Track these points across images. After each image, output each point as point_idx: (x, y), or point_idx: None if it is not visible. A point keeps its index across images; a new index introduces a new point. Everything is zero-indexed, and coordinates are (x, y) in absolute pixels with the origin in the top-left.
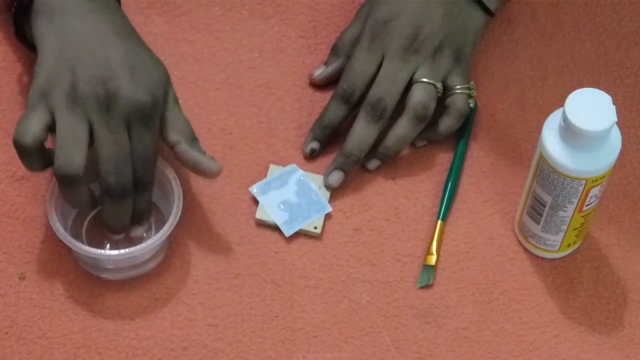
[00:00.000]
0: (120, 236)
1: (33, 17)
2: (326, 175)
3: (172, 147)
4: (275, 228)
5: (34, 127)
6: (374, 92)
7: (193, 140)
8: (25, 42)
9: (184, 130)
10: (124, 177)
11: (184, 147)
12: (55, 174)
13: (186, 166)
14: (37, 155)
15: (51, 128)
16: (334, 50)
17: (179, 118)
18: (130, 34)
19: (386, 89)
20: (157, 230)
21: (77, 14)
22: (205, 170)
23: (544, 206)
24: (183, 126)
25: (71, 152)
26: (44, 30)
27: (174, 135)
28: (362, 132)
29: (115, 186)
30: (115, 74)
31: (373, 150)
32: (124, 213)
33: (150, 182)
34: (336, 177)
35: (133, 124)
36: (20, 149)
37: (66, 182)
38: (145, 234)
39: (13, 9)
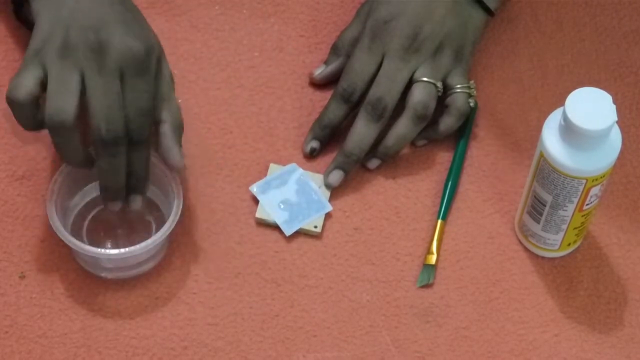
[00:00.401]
0: (118, 206)
1: None
2: (326, 174)
3: (156, 122)
4: (276, 227)
5: (27, 81)
6: (374, 92)
7: (179, 127)
8: (24, 21)
9: (175, 113)
10: (115, 126)
11: (167, 129)
12: (46, 124)
13: (158, 148)
14: (30, 112)
15: (44, 85)
16: (334, 50)
17: (172, 100)
18: (130, 6)
19: (386, 89)
20: (157, 229)
21: None
22: (171, 161)
23: (544, 205)
24: (175, 110)
25: (62, 99)
26: (41, 5)
27: (164, 114)
28: (362, 132)
29: (106, 135)
30: (109, 25)
31: (373, 149)
32: (117, 167)
33: (145, 139)
34: (336, 177)
35: (126, 74)
36: (14, 104)
37: (57, 131)
38: (145, 230)
39: None
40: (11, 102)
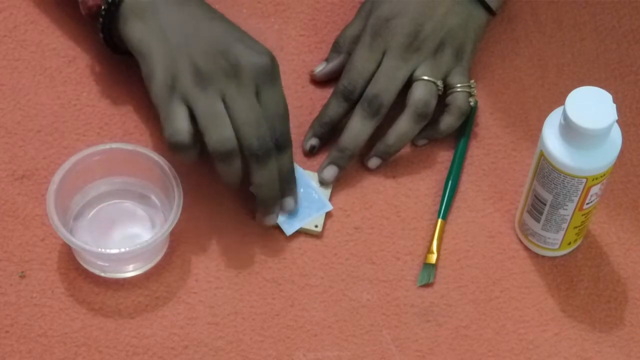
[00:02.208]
0: (276, 216)
1: (122, 22)
2: (320, 170)
3: None
4: (276, 227)
5: (181, 122)
6: (371, 89)
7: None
8: (112, 47)
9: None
10: (264, 137)
11: None
12: (212, 154)
13: None
14: (194, 146)
15: (193, 117)
16: (335, 47)
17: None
18: (223, 17)
19: (384, 86)
20: (158, 228)
21: (168, 9)
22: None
23: (545, 204)
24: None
25: (220, 129)
26: (140, 31)
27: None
28: (357, 128)
29: (259, 148)
30: (229, 45)
31: (372, 148)
32: (271, 177)
33: (289, 141)
34: (330, 172)
35: (261, 86)
36: (179, 149)
37: (224, 159)
38: (144, 229)
39: (101, 17)
40: (178, 146)
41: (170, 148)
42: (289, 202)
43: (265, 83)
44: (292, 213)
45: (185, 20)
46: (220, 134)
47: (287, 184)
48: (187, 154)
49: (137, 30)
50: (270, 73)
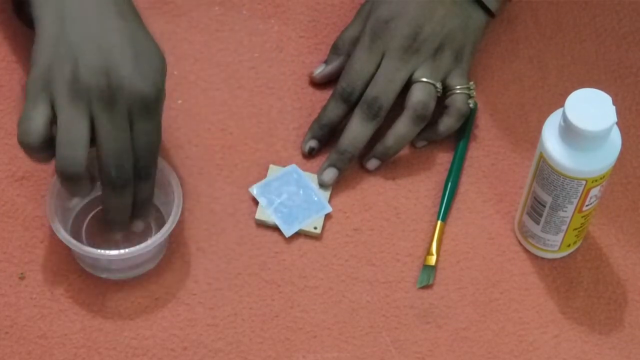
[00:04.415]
0: (121, 234)
1: None
2: (320, 172)
3: None
4: (275, 228)
5: (37, 125)
6: (370, 91)
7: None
8: (24, 19)
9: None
10: (125, 170)
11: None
12: (56, 171)
13: None
14: (44, 151)
15: (53, 119)
16: (334, 49)
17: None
18: (133, 16)
19: (383, 88)
20: (157, 230)
21: None
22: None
23: (544, 206)
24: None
25: (72, 150)
26: (43, 5)
27: None
28: (356, 130)
29: (116, 179)
30: (118, 64)
31: (371, 149)
32: (124, 204)
33: (152, 173)
34: (330, 174)
35: (136, 116)
36: (27, 148)
37: (67, 178)
38: (145, 231)
39: None
40: (25, 146)
41: (20, 145)
42: (137, 224)
43: (141, 114)
44: (281, 214)
45: (88, 15)
46: (69, 155)
47: (140, 209)
48: (35, 156)
49: (41, 4)
50: (149, 104)
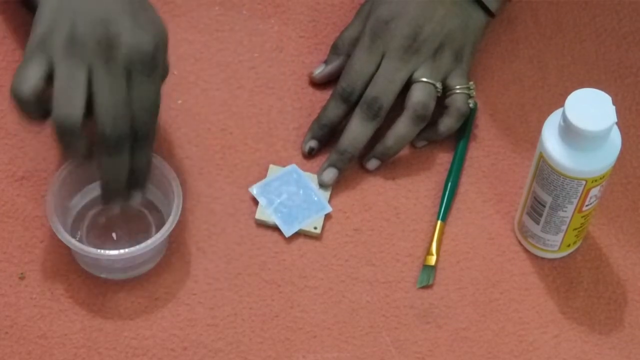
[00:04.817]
0: (117, 205)
1: None
2: (320, 172)
3: None
4: (275, 228)
5: (32, 76)
6: (370, 91)
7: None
8: (30, 7)
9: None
10: (121, 126)
11: None
12: (53, 124)
13: None
14: (35, 106)
15: (50, 78)
16: (334, 49)
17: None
18: None
19: (383, 88)
20: (157, 230)
21: None
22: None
23: (544, 206)
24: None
25: (70, 101)
26: None
27: None
28: (356, 130)
29: (111, 134)
30: (117, 18)
31: (371, 149)
32: (120, 168)
33: (150, 137)
34: (330, 175)
35: (134, 72)
36: (18, 100)
37: (63, 132)
38: (145, 231)
39: None
40: (17, 97)
41: (11, 96)
42: (134, 195)
43: (139, 69)
44: (281, 214)
45: None
46: (66, 107)
47: (137, 177)
48: (27, 112)
49: None
50: (148, 60)
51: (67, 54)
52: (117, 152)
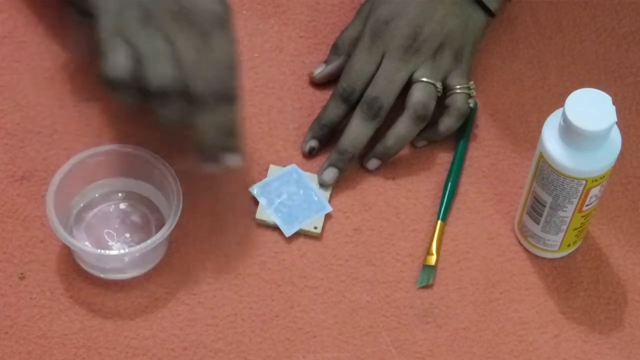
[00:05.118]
0: (215, 166)
1: None
2: (320, 172)
3: None
4: (275, 228)
5: (121, 59)
6: (370, 91)
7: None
8: (77, 10)
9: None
10: (209, 81)
11: None
12: (150, 90)
13: None
14: (131, 86)
15: (134, 58)
16: (334, 49)
17: None
18: None
19: (383, 88)
20: (157, 230)
21: None
22: None
23: (544, 206)
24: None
25: (160, 65)
26: None
27: None
28: (357, 130)
29: (203, 90)
30: None
31: (371, 149)
32: (215, 123)
33: (235, 93)
34: (330, 174)
35: (210, 33)
36: (116, 84)
37: (161, 95)
38: (145, 231)
39: None
40: (112, 82)
41: (107, 85)
42: (233, 158)
43: (214, 29)
44: (281, 214)
45: None
46: (159, 69)
47: (230, 139)
48: (124, 93)
49: None
50: (221, 20)
51: (145, 29)
52: (211, 109)
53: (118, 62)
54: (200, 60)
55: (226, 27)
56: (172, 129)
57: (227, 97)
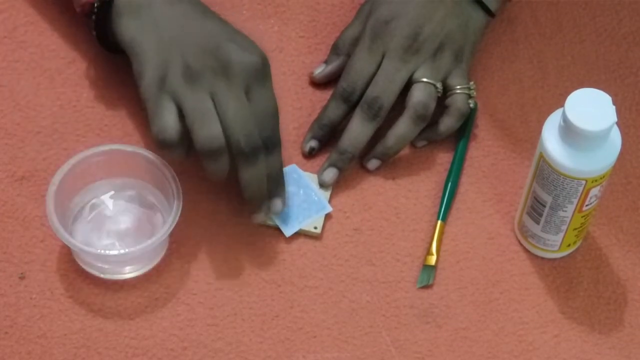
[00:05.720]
0: (262, 216)
1: (116, 18)
2: (320, 172)
3: None
4: (275, 228)
5: (170, 119)
6: (371, 91)
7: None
8: (106, 45)
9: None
10: (253, 137)
11: None
12: (199, 151)
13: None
14: (182, 146)
15: (181, 115)
16: (335, 49)
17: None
18: (216, 15)
19: (383, 88)
20: (157, 230)
21: (162, 6)
22: None
23: (544, 206)
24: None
25: (208, 126)
26: (132, 27)
27: None
28: (357, 130)
29: (246, 145)
30: (220, 44)
31: (372, 149)
32: (259, 175)
33: (278, 140)
34: (330, 174)
35: (251, 86)
36: (167, 145)
37: (211, 156)
38: (144, 231)
39: (94, 15)
40: (164, 144)
41: (157, 145)
42: (276, 203)
43: (255, 82)
44: (281, 214)
45: (178, 17)
46: (208, 130)
47: (275, 185)
48: (174, 152)
49: (129, 27)
50: (260, 72)
51: (189, 87)
52: (254, 160)
53: (167, 124)
54: (242, 116)
55: (265, 78)
56: (221, 182)
57: (271, 145)
